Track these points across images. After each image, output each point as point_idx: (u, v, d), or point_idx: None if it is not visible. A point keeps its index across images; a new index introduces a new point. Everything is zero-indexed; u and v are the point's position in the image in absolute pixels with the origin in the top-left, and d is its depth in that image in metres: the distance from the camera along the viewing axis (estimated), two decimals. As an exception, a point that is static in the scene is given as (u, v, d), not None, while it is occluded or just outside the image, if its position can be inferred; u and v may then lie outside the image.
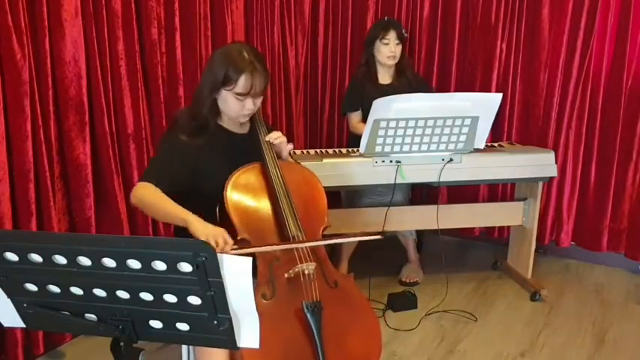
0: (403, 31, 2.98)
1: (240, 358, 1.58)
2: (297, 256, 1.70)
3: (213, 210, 1.75)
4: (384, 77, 3.02)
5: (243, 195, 1.78)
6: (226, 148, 1.87)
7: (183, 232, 1.95)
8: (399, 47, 2.94)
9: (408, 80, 3.00)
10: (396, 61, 2.96)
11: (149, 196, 1.69)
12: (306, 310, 1.62)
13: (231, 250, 1.58)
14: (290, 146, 1.98)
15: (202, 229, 1.58)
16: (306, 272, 1.69)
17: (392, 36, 2.90)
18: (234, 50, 1.78)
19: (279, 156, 1.95)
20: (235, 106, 1.80)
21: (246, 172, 1.82)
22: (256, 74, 1.75)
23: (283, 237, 1.75)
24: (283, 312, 1.64)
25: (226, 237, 1.58)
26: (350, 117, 3.05)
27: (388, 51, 2.92)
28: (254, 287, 1.62)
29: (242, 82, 1.74)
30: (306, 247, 1.73)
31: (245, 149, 1.89)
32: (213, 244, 1.53)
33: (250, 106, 1.80)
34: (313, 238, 1.80)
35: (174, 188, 1.72)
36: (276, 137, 1.92)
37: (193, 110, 1.84)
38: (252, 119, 1.94)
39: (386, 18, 3.07)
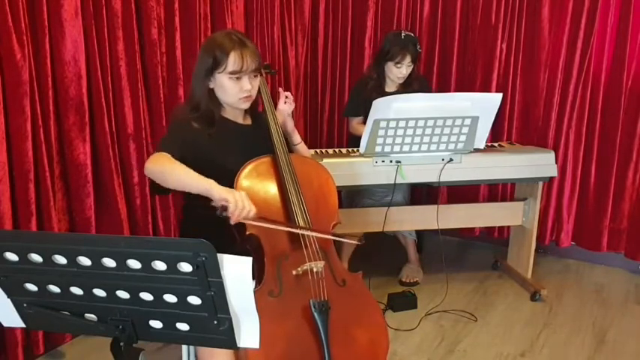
0: (418, 47, 2.87)
1: (244, 355, 1.58)
2: (306, 254, 1.71)
3: None
4: (390, 87, 2.99)
5: (253, 189, 1.76)
6: (235, 140, 1.86)
7: (188, 228, 1.95)
8: (411, 66, 2.87)
9: (414, 90, 2.94)
10: (405, 78, 2.92)
11: (169, 163, 1.65)
12: (313, 309, 1.62)
13: (254, 217, 1.58)
14: (291, 98, 2.00)
15: (228, 190, 1.56)
16: (315, 270, 1.69)
17: (407, 60, 2.83)
18: (220, 35, 1.79)
19: (285, 129, 1.95)
20: (233, 89, 1.77)
21: (257, 165, 1.80)
22: (246, 50, 1.74)
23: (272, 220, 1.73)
24: (290, 310, 1.64)
25: (250, 202, 1.56)
26: (351, 121, 3.05)
27: (399, 73, 2.86)
28: (256, 286, 1.63)
29: (232, 60, 1.73)
30: (315, 240, 1.74)
31: (253, 140, 1.89)
32: (240, 204, 1.53)
33: (247, 85, 1.77)
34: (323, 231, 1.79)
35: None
36: (287, 95, 1.95)
37: (191, 103, 1.82)
38: (253, 106, 1.92)
39: (403, 35, 2.85)
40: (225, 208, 1.55)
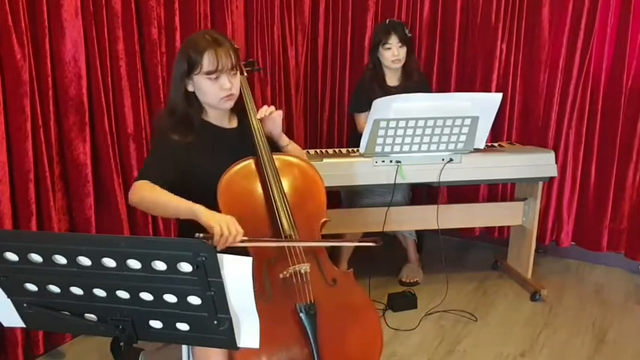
0: (406, 31, 2.93)
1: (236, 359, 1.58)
2: (290, 257, 1.69)
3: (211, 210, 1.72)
4: (392, 79, 3.01)
5: (236, 194, 1.73)
6: (217, 145, 1.82)
7: (187, 228, 1.94)
8: (403, 49, 2.90)
9: (415, 83, 2.97)
10: (402, 63, 2.94)
11: (150, 193, 1.63)
12: (300, 312, 1.61)
13: (242, 240, 1.54)
14: (280, 112, 1.91)
15: (213, 216, 1.53)
16: (301, 272, 1.68)
17: (393, 40, 2.87)
18: (196, 36, 1.77)
19: (271, 134, 1.90)
20: (211, 89, 1.74)
21: (239, 169, 1.76)
22: (220, 49, 1.70)
23: (277, 235, 1.72)
24: (278, 313, 1.64)
25: (237, 226, 1.54)
26: (358, 117, 3.04)
27: (391, 55, 2.90)
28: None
29: (207, 60, 1.70)
30: (306, 246, 1.72)
31: (237, 143, 1.85)
32: (225, 231, 1.50)
33: (226, 84, 1.73)
34: (311, 236, 1.77)
35: (168, 187, 1.67)
36: (265, 109, 1.87)
37: (170, 107, 1.80)
38: (239, 107, 1.88)
39: (387, 21, 3.01)
40: (209, 237, 1.52)
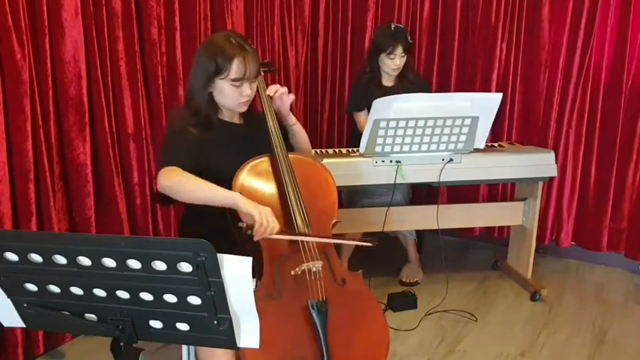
0: (409, 38, 2.93)
1: (243, 357, 1.58)
2: (304, 254, 1.70)
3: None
4: (387, 81, 3.03)
5: (251, 190, 1.75)
6: (232, 142, 1.84)
7: (187, 228, 1.94)
8: (404, 58, 2.92)
9: (410, 82, 3.00)
10: (400, 70, 2.96)
11: (184, 178, 1.63)
12: (311, 309, 1.62)
13: (277, 233, 1.59)
14: (292, 97, 1.95)
15: (254, 205, 1.57)
16: (313, 270, 1.68)
17: (398, 51, 2.88)
18: (220, 38, 1.75)
19: (280, 112, 1.92)
20: (233, 94, 1.76)
21: (255, 165, 1.79)
22: (248, 56, 1.72)
23: (291, 233, 1.73)
24: (289, 311, 1.64)
25: (274, 218, 1.58)
26: (357, 116, 3.05)
27: (393, 64, 2.91)
28: (256, 286, 1.63)
29: (235, 67, 1.71)
30: (321, 242, 1.75)
31: (246, 139, 1.87)
32: (265, 221, 1.54)
33: (248, 91, 1.76)
34: (323, 235, 1.79)
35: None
36: (276, 89, 1.90)
37: (191, 107, 1.80)
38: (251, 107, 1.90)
39: (392, 27, 2.96)
40: (250, 227, 1.56)
